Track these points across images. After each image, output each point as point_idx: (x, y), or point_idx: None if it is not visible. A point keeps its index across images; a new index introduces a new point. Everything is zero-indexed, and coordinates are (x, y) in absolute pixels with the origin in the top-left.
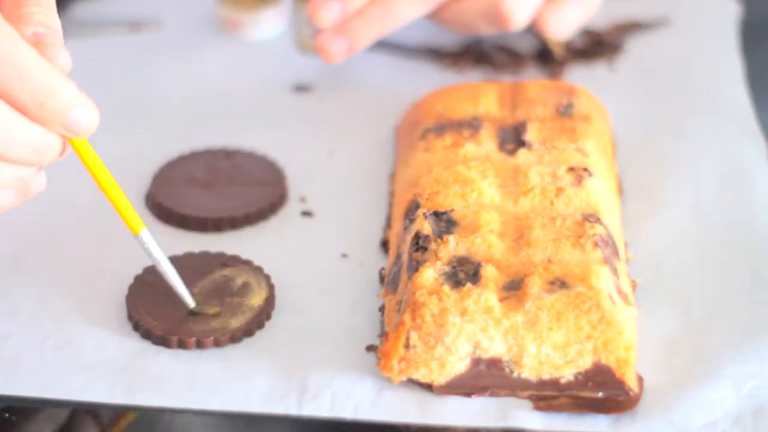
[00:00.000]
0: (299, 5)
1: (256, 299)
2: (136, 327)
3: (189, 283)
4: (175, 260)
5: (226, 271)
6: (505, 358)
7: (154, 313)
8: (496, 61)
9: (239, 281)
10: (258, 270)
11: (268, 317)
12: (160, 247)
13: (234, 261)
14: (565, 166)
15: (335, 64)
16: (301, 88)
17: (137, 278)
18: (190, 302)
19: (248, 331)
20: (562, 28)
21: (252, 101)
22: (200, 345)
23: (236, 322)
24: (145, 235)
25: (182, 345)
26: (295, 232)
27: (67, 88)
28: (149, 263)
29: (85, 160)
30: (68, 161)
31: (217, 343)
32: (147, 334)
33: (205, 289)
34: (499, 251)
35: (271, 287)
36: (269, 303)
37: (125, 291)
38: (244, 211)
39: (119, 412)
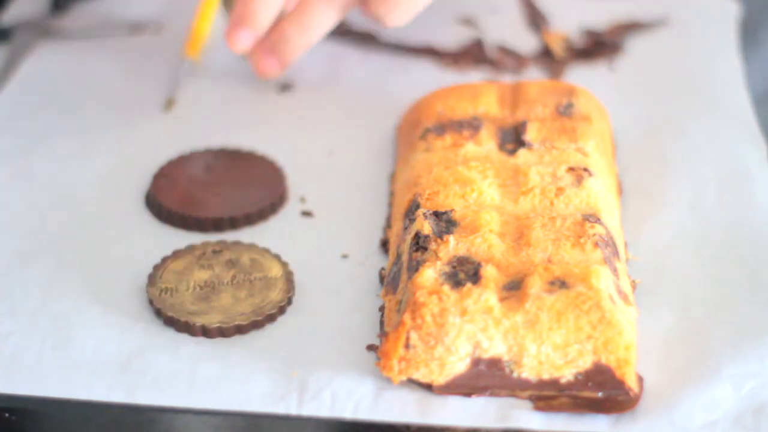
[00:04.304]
0: None
1: (274, 270)
2: (158, 313)
3: (197, 285)
4: (168, 261)
5: (227, 255)
6: (505, 358)
7: (176, 296)
8: (496, 61)
9: (246, 259)
10: (253, 246)
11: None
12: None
13: (224, 245)
14: (565, 166)
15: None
16: (301, 88)
17: (156, 267)
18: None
19: (290, 300)
20: None
21: (252, 101)
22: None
23: (274, 294)
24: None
25: (206, 333)
26: (295, 232)
27: None
28: (165, 253)
29: None
30: (67, 161)
31: (240, 331)
32: (170, 321)
33: (222, 278)
34: (499, 251)
35: (276, 255)
36: (287, 270)
37: (125, 291)
38: (244, 211)
39: (117, 410)
